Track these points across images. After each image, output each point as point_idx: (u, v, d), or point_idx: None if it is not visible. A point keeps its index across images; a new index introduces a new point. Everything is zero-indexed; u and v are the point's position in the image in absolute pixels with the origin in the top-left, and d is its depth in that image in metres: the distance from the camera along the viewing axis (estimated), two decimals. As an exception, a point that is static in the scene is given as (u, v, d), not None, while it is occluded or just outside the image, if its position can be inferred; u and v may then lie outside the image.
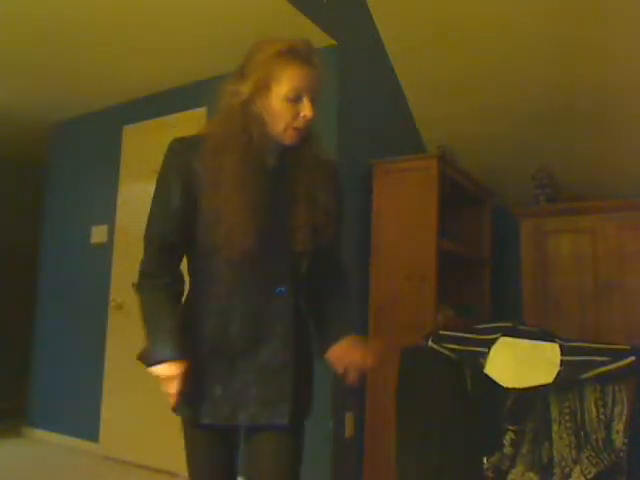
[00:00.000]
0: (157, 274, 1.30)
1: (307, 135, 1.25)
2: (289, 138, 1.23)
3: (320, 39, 2.85)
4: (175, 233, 1.26)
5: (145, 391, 3.39)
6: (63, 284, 4.00)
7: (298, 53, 1.20)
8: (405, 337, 2.11)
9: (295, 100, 1.19)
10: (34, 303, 4.17)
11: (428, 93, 3.33)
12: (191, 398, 1.24)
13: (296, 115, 1.20)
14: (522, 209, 3.50)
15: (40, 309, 4.13)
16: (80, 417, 3.69)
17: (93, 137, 4.04)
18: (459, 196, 3.34)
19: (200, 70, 3.32)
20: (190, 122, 3.45)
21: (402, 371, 1.42)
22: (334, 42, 2.88)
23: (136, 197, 3.65)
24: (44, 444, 3.76)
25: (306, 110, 1.19)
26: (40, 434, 3.87)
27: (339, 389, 2.69)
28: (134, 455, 3.36)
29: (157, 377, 1.21)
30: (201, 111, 3.41)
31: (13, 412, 4.14)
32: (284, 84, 1.18)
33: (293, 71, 1.18)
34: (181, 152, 1.26)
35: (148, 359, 1.22)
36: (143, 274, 1.32)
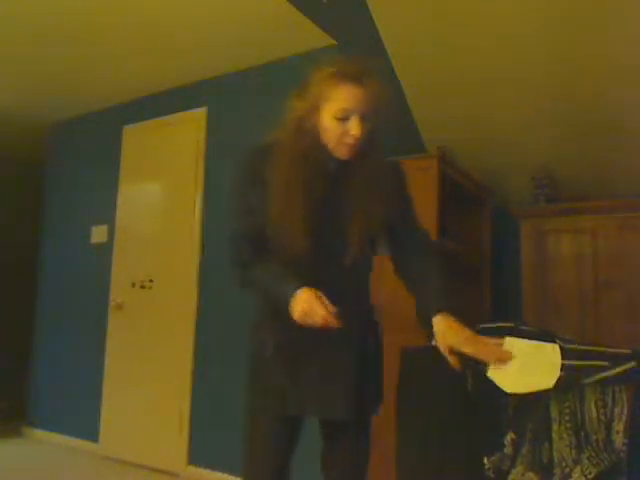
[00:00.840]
0: (254, 260, 1.35)
1: (364, 147, 1.31)
2: (341, 152, 1.31)
3: (320, 39, 2.86)
4: (260, 233, 1.32)
5: (145, 391, 3.40)
6: (63, 284, 4.00)
7: (348, 75, 1.25)
8: (405, 337, 2.11)
9: (344, 119, 1.26)
10: (34, 303, 4.17)
11: (428, 93, 3.33)
12: (263, 390, 1.38)
13: (345, 133, 1.27)
14: (522, 209, 3.49)
15: (40, 309, 4.14)
16: (80, 417, 3.70)
17: (93, 137, 4.04)
18: (459, 196, 3.34)
19: (200, 70, 3.33)
20: (190, 122, 3.46)
21: (402, 371, 1.42)
22: (334, 42, 2.89)
23: (136, 197, 3.66)
24: (44, 444, 3.76)
25: (354, 129, 1.25)
26: (40, 434, 3.87)
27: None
28: (134, 455, 3.36)
29: (303, 314, 1.20)
30: (201, 111, 3.41)
31: (13, 412, 4.15)
32: (333, 104, 1.26)
33: (342, 92, 1.25)
34: (254, 159, 1.39)
35: (285, 299, 1.24)
36: (240, 264, 1.38)
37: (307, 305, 1.19)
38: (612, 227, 3.13)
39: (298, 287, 1.23)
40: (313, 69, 1.32)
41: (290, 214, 1.26)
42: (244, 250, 1.36)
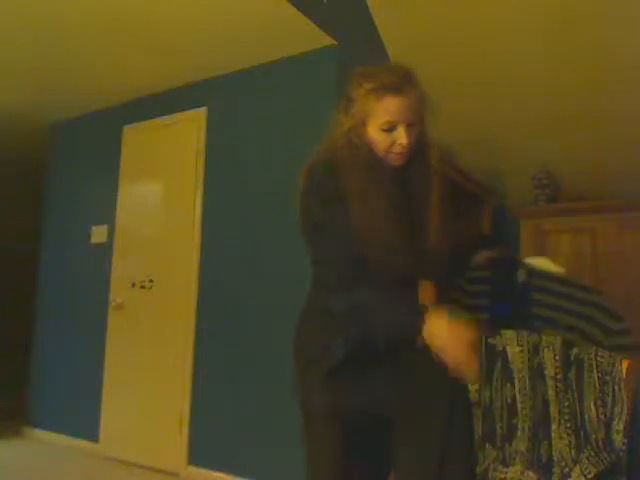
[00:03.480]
0: (358, 280, 1.28)
1: (415, 151, 1.33)
2: (393, 161, 1.32)
3: (320, 39, 2.86)
4: (352, 249, 1.28)
5: (145, 391, 3.40)
6: (63, 284, 4.00)
7: (390, 87, 1.26)
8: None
9: (390, 130, 1.28)
10: (34, 303, 4.17)
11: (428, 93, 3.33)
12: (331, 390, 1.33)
13: (392, 143, 1.29)
14: (522, 209, 3.50)
15: (40, 309, 4.14)
16: (80, 417, 3.70)
17: (93, 137, 4.04)
18: (459, 196, 3.34)
19: (200, 70, 3.33)
20: (190, 122, 3.46)
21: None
22: (334, 42, 2.89)
23: (136, 197, 3.66)
24: (44, 444, 3.76)
25: (401, 139, 1.28)
26: (40, 434, 3.87)
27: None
28: (134, 455, 3.36)
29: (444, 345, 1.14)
30: (201, 111, 3.41)
31: (13, 412, 4.15)
32: (378, 117, 1.27)
33: (385, 105, 1.26)
34: (323, 176, 1.33)
35: (411, 323, 1.19)
36: (345, 284, 1.29)
37: (452, 342, 1.13)
38: (611, 227, 3.13)
39: (426, 310, 1.18)
40: (353, 82, 1.32)
41: (382, 224, 1.26)
42: (347, 268, 1.28)
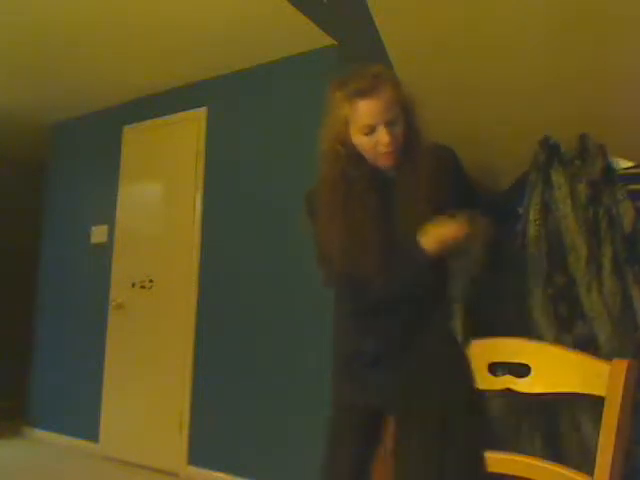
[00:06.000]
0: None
1: (406, 150, 1.33)
2: (383, 163, 1.32)
3: (320, 39, 2.86)
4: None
5: (145, 391, 3.40)
6: (63, 284, 4.00)
7: (360, 92, 1.26)
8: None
9: (371, 132, 1.28)
10: (34, 303, 4.18)
11: (428, 94, 3.33)
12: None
13: (377, 144, 1.29)
14: (522, 209, 3.49)
15: (40, 309, 4.14)
16: (80, 417, 3.70)
17: (93, 137, 4.04)
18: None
19: (200, 70, 3.33)
20: (190, 122, 3.47)
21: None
22: (334, 42, 2.89)
23: (136, 197, 3.66)
24: (44, 444, 3.76)
25: (382, 138, 1.27)
26: (40, 434, 3.87)
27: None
28: (134, 455, 3.36)
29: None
30: (201, 111, 3.42)
31: (13, 412, 4.15)
32: (356, 123, 1.28)
33: (359, 110, 1.27)
34: (309, 200, 1.43)
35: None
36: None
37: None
38: (612, 227, 3.13)
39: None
40: (328, 93, 1.35)
41: (330, 241, 1.29)
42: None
